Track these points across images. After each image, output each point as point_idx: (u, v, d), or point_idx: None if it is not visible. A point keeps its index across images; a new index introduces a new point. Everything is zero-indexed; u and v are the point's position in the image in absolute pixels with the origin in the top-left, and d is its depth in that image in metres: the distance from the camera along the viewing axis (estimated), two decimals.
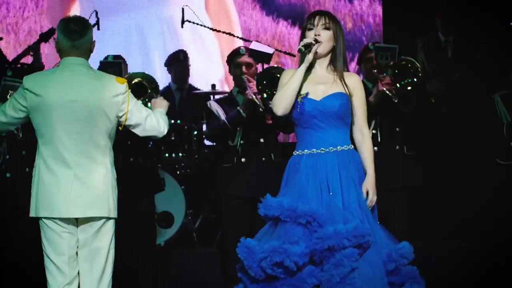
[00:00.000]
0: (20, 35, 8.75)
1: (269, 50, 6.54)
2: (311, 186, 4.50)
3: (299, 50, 4.56)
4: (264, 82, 6.18)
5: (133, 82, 6.13)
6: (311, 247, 4.36)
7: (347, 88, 4.61)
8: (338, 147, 4.58)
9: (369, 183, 4.59)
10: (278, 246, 4.35)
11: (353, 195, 4.51)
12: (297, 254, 4.33)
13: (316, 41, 4.57)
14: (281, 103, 4.57)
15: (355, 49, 9.07)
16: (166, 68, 8.71)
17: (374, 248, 4.43)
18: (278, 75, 6.09)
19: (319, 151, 4.56)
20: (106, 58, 6.51)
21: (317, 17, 4.63)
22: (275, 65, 6.61)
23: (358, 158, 4.63)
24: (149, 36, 9.20)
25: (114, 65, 6.31)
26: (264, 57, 6.47)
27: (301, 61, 4.60)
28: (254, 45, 6.57)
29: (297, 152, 4.63)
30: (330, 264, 4.31)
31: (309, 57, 4.56)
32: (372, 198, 4.57)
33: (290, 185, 4.58)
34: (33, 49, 7.07)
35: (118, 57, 6.59)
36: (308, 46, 4.55)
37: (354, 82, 4.66)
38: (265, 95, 6.17)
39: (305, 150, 4.59)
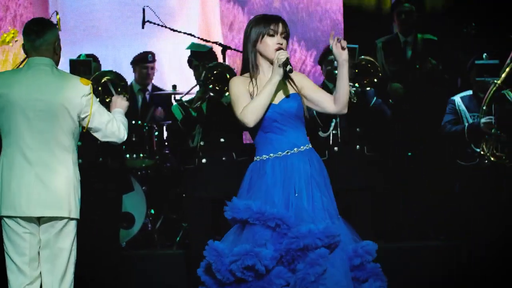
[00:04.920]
0: None
1: (204, 48, 6.54)
2: (278, 189, 4.50)
3: (290, 71, 4.49)
4: (212, 78, 6.18)
5: (102, 80, 6.12)
6: (285, 247, 4.35)
7: (295, 86, 4.65)
8: (302, 147, 4.60)
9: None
10: (249, 249, 4.32)
11: (316, 195, 4.53)
12: (267, 257, 4.32)
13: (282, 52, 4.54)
14: (254, 116, 4.51)
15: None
16: (131, 66, 8.70)
17: (338, 246, 4.46)
18: (219, 69, 6.13)
19: (284, 153, 4.57)
20: (78, 56, 6.48)
21: (280, 25, 4.59)
22: (220, 62, 6.60)
23: (318, 156, 4.67)
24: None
25: (84, 64, 6.28)
26: (203, 55, 6.48)
27: (277, 74, 4.51)
28: (190, 47, 6.59)
29: (260, 158, 4.61)
30: (306, 263, 4.31)
31: (282, 70, 4.53)
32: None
33: (254, 190, 4.55)
34: None
35: (90, 56, 6.57)
36: (286, 64, 4.50)
37: (300, 77, 4.71)
38: (211, 86, 6.19)
39: (270, 155, 4.58)
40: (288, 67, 4.46)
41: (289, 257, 4.36)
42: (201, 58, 6.46)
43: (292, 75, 4.60)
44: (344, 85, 4.62)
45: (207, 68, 6.23)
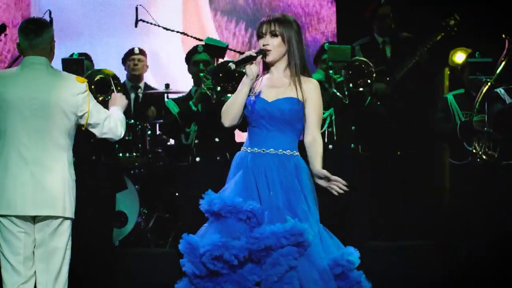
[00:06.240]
0: None
1: (222, 44, 6.56)
2: (250, 184, 4.53)
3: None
4: (220, 75, 6.18)
5: (95, 79, 6.11)
6: (247, 246, 4.38)
7: (301, 93, 4.61)
8: (280, 151, 4.58)
9: (320, 171, 4.54)
10: (217, 240, 4.37)
11: (294, 197, 4.51)
12: (236, 247, 4.35)
13: (261, 51, 4.60)
14: (228, 116, 4.65)
15: None
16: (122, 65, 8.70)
17: (318, 248, 4.44)
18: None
19: (260, 151, 4.58)
20: (71, 55, 6.47)
21: (264, 26, 4.66)
22: (231, 59, 6.60)
23: (301, 163, 4.63)
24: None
25: (76, 63, 6.27)
26: (218, 51, 6.48)
27: (246, 74, 4.62)
28: (207, 40, 6.59)
29: (243, 149, 4.66)
30: (267, 263, 4.34)
31: (252, 69, 4.59)
32: (334, 177, 4.52)
33: (231, 182, 4.61)
34: None
35: (83, 55, 6.56)
36: (245, 61, 4.57)
37: (310, 88, 4.65)
38: (218, 88, 6.18)
39: (248, 148, 4.62)
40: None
41: (253, 256, 4.39)
42: (215, 53, 6.45)
43: (305, 82, 4.63)
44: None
45: (216, 66, 6.24)
